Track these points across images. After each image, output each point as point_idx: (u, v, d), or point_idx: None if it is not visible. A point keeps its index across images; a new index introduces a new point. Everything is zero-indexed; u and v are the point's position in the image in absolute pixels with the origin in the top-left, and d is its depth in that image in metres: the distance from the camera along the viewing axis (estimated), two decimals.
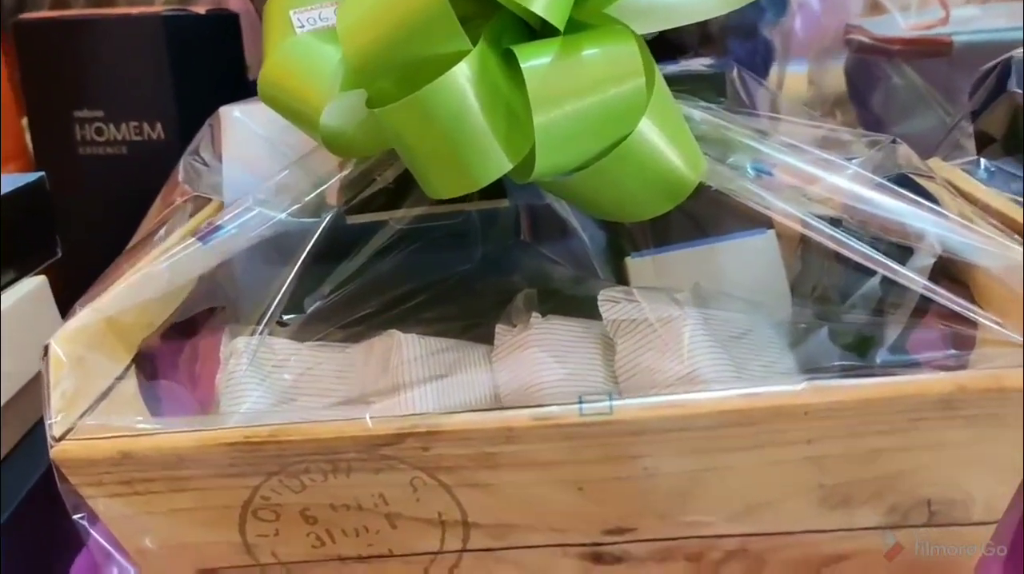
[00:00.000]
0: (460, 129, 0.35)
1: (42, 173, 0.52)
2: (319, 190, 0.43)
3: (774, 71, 0.81)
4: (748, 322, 0.44)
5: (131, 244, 0.45)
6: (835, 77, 0.84)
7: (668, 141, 0.38)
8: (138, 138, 0.67)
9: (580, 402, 0.33)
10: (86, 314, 0.38)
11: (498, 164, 0.35)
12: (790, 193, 0.43)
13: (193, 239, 0.40)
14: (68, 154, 0.67)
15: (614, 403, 0.33)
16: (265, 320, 0.41)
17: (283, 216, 0.41)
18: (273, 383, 0.40)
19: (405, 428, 0.34)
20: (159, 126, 0.66)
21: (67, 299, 0.56)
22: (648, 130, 0.37)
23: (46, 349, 0.36)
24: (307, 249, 0.40)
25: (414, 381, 0.38)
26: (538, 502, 0.36)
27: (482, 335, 0.44)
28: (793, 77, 0.85)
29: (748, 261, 0.49)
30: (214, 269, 0.42)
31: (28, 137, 0.71)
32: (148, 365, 0.41)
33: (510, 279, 0.47)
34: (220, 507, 0.36)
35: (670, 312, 0.42)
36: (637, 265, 0.49)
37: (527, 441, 0.34)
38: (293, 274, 0.40)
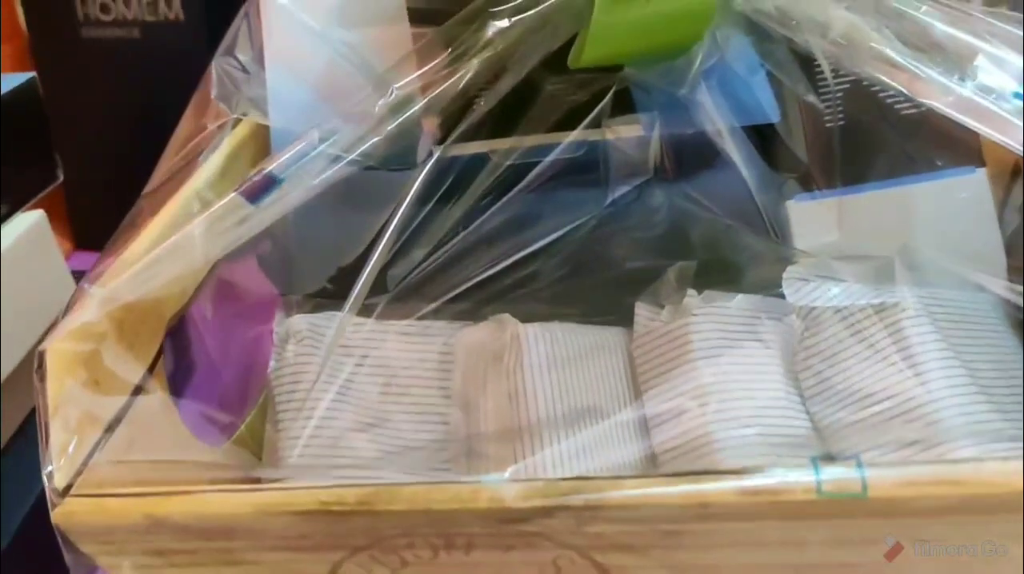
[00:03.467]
0: None
1: (32, 74, 0.41)
2: (403, 117, 0.31)
3: None
4: (976, 305, 0.33)
5: (153, 183, 0.34)
6: None
7: None
8: (152, 18, 0.54)
9: (816, 473, 0.23)
10: (97, 301, 0.27)
11: None
12: None
13: (237, 195, 0.28)
14: (69, 38, 0.55)
15: (867, 477, 0.23)
16: (351, 299, 0.30)
17: (357, 158, 0.29)
18: (349, 390, 0.30)
19: (556, 500, 0.23)
20: (176, 3, 0.54)
21: (70, 227, 0.45)
22: None
23: (40, 359, 0.26)
24: (399, 214, 0.28)
25: (543, 410, 0.27)
26: None
27: (614, 310, 0.34)
28: None
29: (949, 209, 0.37)
30: None
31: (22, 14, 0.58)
32: (175, 354, 0.31)
33: (649, 231, 0.36)
34: None
35: (882, 295, 0.31)
36: (801, 210, 0.37)
37: (729, 518, 0.23)
38: (382, 247, 0.28)
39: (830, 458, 0.29)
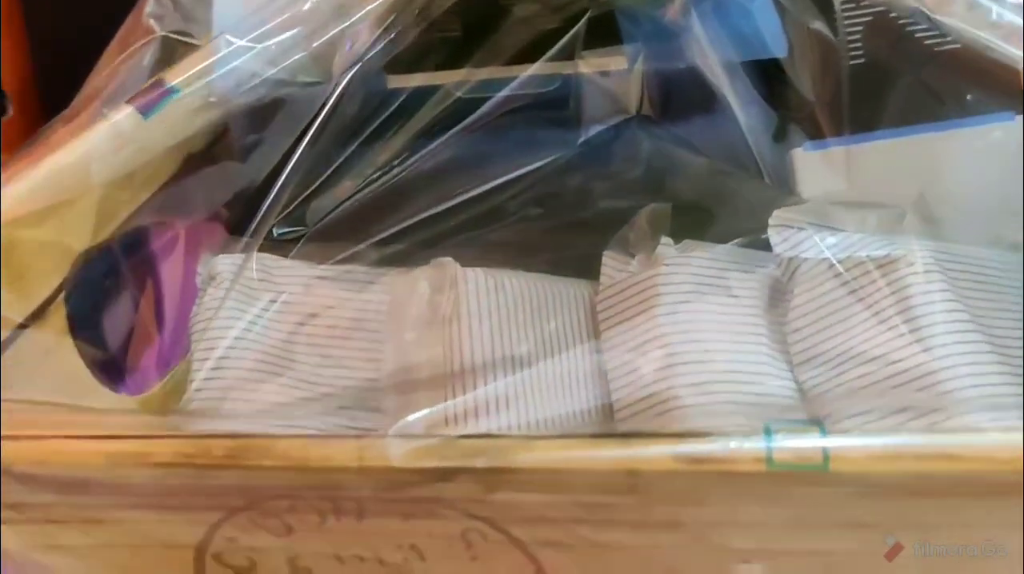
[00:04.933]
0: None
1: None
2: (337, 29, 0.27)
3: None
4: (1002, 264, 0.29)
5: (70, 107, 0.31)
6: None
7: None
8: None
9: (768, 437, 0.19)
10: None
11: None
12: None
13: (131, 108, 0.25)
14: None
15: (830, 447, 0.18)
16: (250, 231, 0.27)
17: (275, 73, 0.26)
18: (262, 331, 0.26)
19: (453, 462, 0.19)
20: None
21: None
22: None
23: None
24: (309, 136, 0.25)
25: (478, 359, 0.23)
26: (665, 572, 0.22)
27: (581, 262, 0.30)
28: None
29: (980, 160, 0.32)
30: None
31: None
32: (86, 297, 0.28)
33: (624, 175, 0.32)
34: (161, 547, 0.22)
35: (886, 247, 0.27)
36: (808, 160, 0.33)
37: (664, 491, 0.19)
38: (291, 166, 0.25)
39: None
